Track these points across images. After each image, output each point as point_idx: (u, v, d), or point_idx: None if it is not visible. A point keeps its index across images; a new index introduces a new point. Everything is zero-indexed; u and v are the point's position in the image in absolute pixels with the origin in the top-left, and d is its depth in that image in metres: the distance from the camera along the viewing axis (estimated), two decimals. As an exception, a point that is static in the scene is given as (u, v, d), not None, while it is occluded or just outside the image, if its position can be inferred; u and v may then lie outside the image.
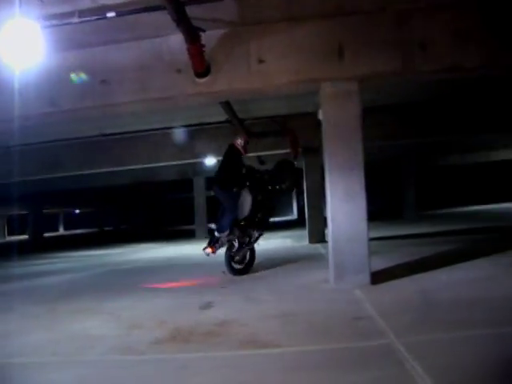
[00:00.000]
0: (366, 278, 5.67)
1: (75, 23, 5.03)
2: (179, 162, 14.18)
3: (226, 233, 7.31)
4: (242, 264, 7.53)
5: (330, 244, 5.84)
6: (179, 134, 12.04)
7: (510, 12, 5.63)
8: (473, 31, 5.67)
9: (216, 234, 7.43)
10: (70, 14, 5.00)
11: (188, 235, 19.65)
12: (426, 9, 5.65)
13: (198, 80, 5.75)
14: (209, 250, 7.39)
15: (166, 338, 4.19)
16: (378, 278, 5.81)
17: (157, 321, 4.80)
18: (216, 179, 7.63)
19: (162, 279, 7.70)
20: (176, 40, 5.57)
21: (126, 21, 5.31)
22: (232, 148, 7.64)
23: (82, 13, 5.01)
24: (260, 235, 7.69)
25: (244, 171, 7.59)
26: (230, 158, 7.56)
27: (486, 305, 4.40)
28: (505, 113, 11.37)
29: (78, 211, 43.04)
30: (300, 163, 13.02)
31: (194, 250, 13.43)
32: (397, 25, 5.68)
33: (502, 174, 26.79)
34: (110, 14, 5.03)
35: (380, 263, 6.69)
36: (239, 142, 7.77)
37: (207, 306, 5.39)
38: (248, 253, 7.61)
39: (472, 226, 13.43)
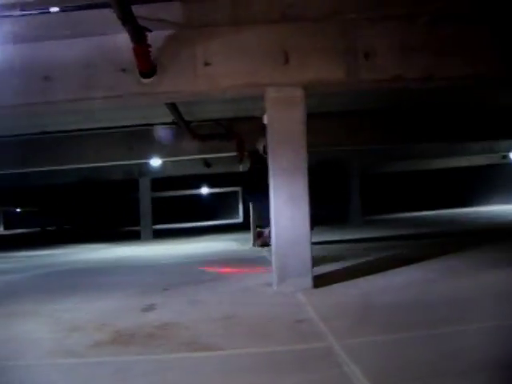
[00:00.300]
0: (309, 281, 5.70)
1: (17, 16, 4.86)
2: (125, 162, 13.99)
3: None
4: None
5: (272, 247, 5.84)
6: (125, 134, 11.86)
7: (451, 28, 5.86)
8: (417, 44, 5.85)
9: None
10: (12, 6, 4.83)
11: (134, 236, 19.34)
12: (372, 19, 5.77)
13: (143, 80, 5.65)
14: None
15: (105, 340, 4.06)
16: (320, 281, 5.84)
17: (97, 323, 4.65)
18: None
19: (111, 280, 7.52)
20: (122, 39, 5.43)
21: (71, 17, 5.18)
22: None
23: (24, 6, 4.85)
24: None
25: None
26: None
27: (423, 307, 4.50)
28: (444, 124, 11.89)
29: (19, 210, 41.62)
30: (245, 166, 13.08)
31: (141, 251, 13.31)
32: (343, 33, 5.77)
33: (445, 181, 27.82)
34: (54, 9, 4.90)
35: (323, 267, 6.76)
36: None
37: (149, 308, 5.27)
38: None
39: (415, 231, 13.81)
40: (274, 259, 5.84)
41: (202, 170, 17.85)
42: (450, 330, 3.74)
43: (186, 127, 10.41)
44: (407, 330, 3.83)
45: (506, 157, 21.00)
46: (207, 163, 17.17)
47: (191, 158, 15.30)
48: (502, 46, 5.95)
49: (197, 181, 25.96)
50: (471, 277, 5.82)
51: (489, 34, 5.95)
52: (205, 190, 32.22)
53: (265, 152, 7.80)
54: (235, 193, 34.57)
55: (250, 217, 12.09)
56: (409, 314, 4.29)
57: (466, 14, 5.84)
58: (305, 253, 5.66)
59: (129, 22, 4.74)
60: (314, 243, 5.74)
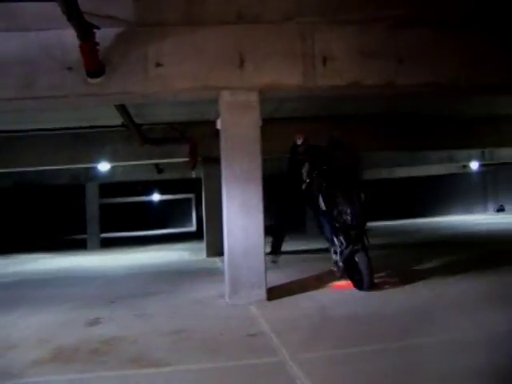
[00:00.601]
0: (262, 293, 5.74)
1: None
2: (71, 166, 13.74)
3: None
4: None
5: (225, 258, 5.86)
6: (71, 136, 11.64)
7: (413, 34, 6.03)
8: (376, 50, 6.01)
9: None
10: None
11: (79, 245, 18.98)
12: (330, 23, 5.89)
13: (90, 80, 5.57)
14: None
15: (45, 358, 3.98)
16: (274, 293, 5.91)
17: (37, 339, 4.56)
18: None
19: (52, 293, 7.36)
20: (68, 35, 5.32)
21: (9, 8, 5.06)
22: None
23: None
24: None
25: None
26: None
27: (380, 320, 4.62)
28: (405, 132, 12.23)
29: None
30: (198, 173, 13.04)
31: (86, 261, 13.05)
32: (300, 37, 5.87)
33: (405, 191, 28.40)
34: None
35: (278, 278, 6.81)
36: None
37: (94, 322, 5.22)
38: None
39: (376, 241, 14.03)
40: (226, 270, 5.86)
41: (154, 175, 17.71)
42: (407, 344, 3.86)
43: (137, 130, 10.30)
44: (363, 343, 3.91)
45: (466, 166, 21.66)
46: (159, 169, 17.06)
47: (142, 163, 15.19)
48: (465, 52, 6.17)
49: (148, 187, 25.72)
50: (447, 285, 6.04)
51: (451, 41, 6.17)
52: (156, 197, 31.92)
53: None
54: (188, 200, 34.32)
55: (202, 225, 12.03)
56: (364, 328, 4.39)
57: (429, 20, 6.02)
58: (258, 264, 5.71)
59: (74, 17, 4.65)
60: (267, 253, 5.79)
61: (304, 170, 6.79)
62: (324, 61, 5.86)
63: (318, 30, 5.89)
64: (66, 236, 30.49)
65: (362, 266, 5.84)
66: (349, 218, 5.90)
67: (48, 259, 14.38)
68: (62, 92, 5.74)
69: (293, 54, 5.85)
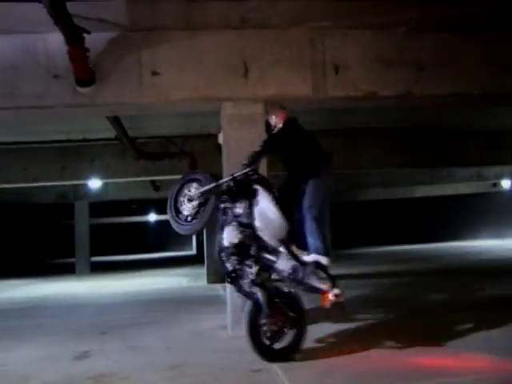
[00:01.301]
0: (268, 325, 5.71)
1: None
2: (58, 183, 13.75)
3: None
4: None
5: (228, 285, 5.83)
6: (58, 150, 11.67)
7: (434, 40, 6.06)
8: (394, 57, 6.04)
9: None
10: None
11: (67, 270, 18.97)
12: (343, 28, 5.94)
13: (79, 89, 5.60)
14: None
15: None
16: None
17: (19, 376, 4.55)
18: None
19: (37, 323, 7.36)
20: (55, 40, 5.40)
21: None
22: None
23: None
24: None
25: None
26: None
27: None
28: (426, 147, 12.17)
29: None
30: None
31: (75, 288, 13.02)
32: (310, 43, 5.92)
33: (427, 212, 28.19)
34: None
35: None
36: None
37: (83, 355, 5.21)
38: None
39: (384, 268, 14.02)
40: (228, 298, 5.83)
41: (150, 193, 17.71)
42: None
43: (131, 144, 10.31)
44: None
45: (497, 184, 21.45)
46: (156, 186, 17.09)
47: (137, 180, 15.20)
48: (493, 59, 6.19)
49: (144, 206, 25.73)
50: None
51: (478, 46, 6.19)
52: (153, 217, 31.94)
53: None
54: (188, 221, 34.27)
55: (203, 248, 11.97)
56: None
57: (453, 24, 6.03)
58: (264, 292, 5.66)
59: (62, 20, 4.66)
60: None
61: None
62: (336, 69, 5.89)
63: (330, 35, 5.93)
64: (52, 260, 30.50)
65: None
66: None
67: (31, 285, 14.39)
68: (48, 102, 5.77)
69: (301, 62, 5.89)
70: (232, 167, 5.80)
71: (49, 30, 5.22)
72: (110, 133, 9.77)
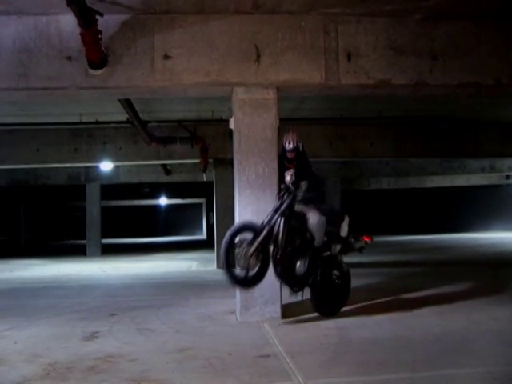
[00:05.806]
0: (277, 310, 5.75)
1: None
2: (70, 165, 13.79)
3: None
4: None
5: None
6: (71, 132, 11.71)
7: (450, 28, 6.00)
8: (408, 45, 5.99)
9: None
10: None
11: (78, 252, 19.04)
12: (357, 15, 5.88)
13: (91, 71, 5.62)
14: None
15: (37, 375, 4.01)
16: (290, 310, 5.91)
17: (28, 354, 4.59)
18: None
19: (47, 303, 7.41)
20: (68, 21, 5.42)
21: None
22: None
23: None
24: None
25: None
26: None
27: (405, 346, 4.58)
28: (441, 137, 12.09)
29: None
30: (209, 176, 12.99)
31: (85, 269, 13.06)
32: (323, 30, 5.89)
33: (439, 202, 28.00)
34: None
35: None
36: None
37: (92, 336, 5.25)
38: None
39: (401, 258, 13.96)
40: (237, 285, 5.84)
41: (162, 177, 17.72)
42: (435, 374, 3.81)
43: (143, 128, 10.31)
44: (387, 371, 3.88)
45: (509, 177, 21.25)
46: (167, 170, 17.08)
47: (149, 164, 15.23)
48: (511, 49, 6.11)
49: (155, 189, 25.74)
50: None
51: (495, 34, 6.12)
52: (164, 201, 31.95)
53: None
54: (199, 205, 34.19)
55: (213, 233, 11.96)
56: (389, 353, 4.35)
57: (469, 11, 5.95)
58: (273, 278, 5.66)
59: (75, 2, 4.65)
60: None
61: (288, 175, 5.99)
62: (348, 57, 5.86)
63: (343, 22, 5.89)
64: (63, 241, 30.63)
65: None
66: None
67: (42, 266, 14.45)
68: (60, 84, 5.78)
69: (314, 49, 5.86)
70: (242, 153, 5.82)
71: (62, 12, 5.22)
72: (122, 116, 9.81)
